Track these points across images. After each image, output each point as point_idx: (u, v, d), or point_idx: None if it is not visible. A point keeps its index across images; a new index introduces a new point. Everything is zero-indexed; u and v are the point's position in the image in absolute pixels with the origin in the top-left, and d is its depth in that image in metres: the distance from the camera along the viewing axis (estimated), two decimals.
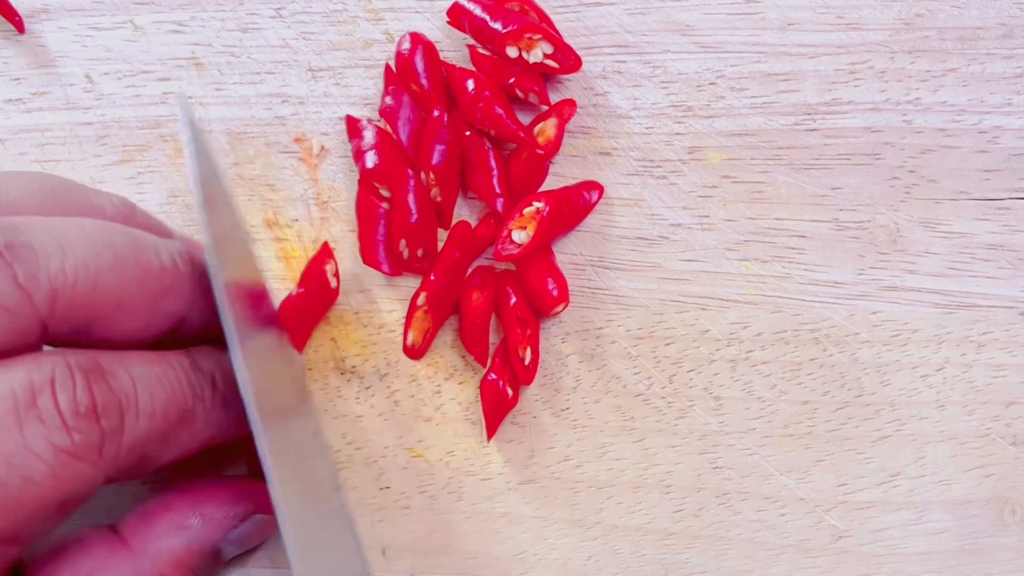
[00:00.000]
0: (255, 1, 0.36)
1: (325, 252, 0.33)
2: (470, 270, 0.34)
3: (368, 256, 0.33)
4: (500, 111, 0.33)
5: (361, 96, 0.35)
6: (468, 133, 0.33)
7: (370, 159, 0.33)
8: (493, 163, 0.33)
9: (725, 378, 0.33)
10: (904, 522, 0.32)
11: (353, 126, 0.34)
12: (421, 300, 0.33)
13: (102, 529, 0.28)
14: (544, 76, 0.34)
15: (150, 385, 0.26)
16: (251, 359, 0.27)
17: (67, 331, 0.26)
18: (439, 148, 0.33)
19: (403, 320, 0.34)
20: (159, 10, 0.36)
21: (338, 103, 0.35)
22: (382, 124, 0.34)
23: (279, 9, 0.36)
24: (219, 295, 0.27)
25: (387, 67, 0.35)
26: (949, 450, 0.32)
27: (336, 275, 0.33)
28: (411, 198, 0.33)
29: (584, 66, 0.34)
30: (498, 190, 0.33)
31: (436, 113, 0.33)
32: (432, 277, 0.33)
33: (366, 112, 0.35)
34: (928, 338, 0.33)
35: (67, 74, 0.36)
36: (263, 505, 0.30)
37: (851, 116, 0.34)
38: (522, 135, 0.33)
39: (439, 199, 0.33)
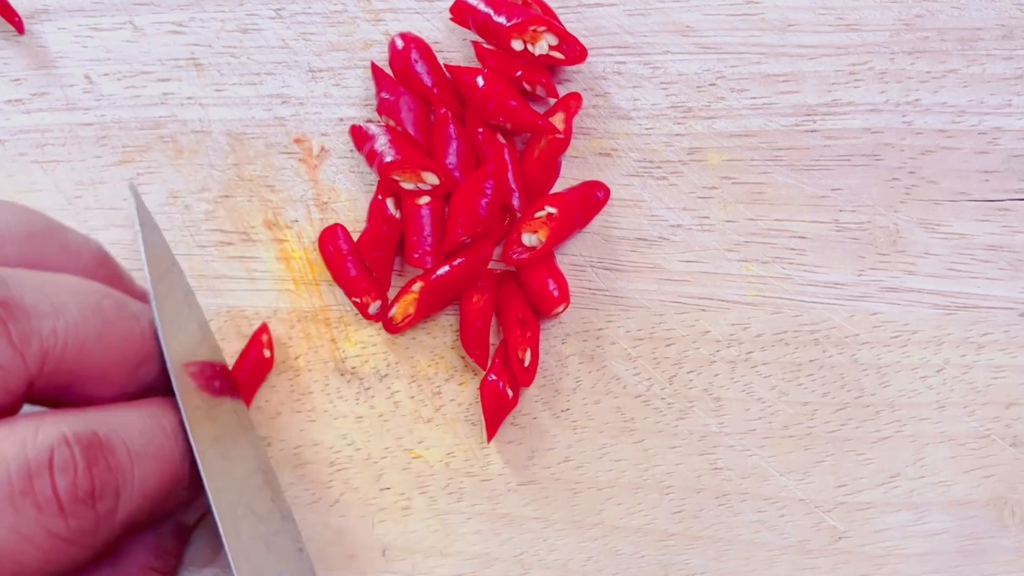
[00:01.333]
0: (255, 2, 0.36)
1: (262, 329, 0.33)
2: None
3: (370, 257, 0.33)
4: (514, 103, 0.33)
5: (361, 97, 0.35)
6: (480, 130, 0.33)
7: (388, 155, 0.33)
8: (508, 158, 0.33)
9: (725, 379, 0.33)
10: (904, 523, 0.32)
11: (359, 132, 0.34)
12: (415, 288, 0.33)
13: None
14: (548, 70, 0.34)
15: (147, 461, 0.25)
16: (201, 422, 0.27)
17: (50, 391, 0.25)
18: (453, 145, 0.33)
19: (386, 330, 0.34)
20: (159, 11, 0.36)
21: (338, 104, 0.35)
22: (383, 122, 0.34)
23: (279, 10, 0.36)
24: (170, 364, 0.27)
25: (373, 66, 0.34)
26: (949, 451, 0.32)
27: (270, 346, 0.34)
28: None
29: (584, 67, 0.34)
30: (514, 186, 0.33)
31: (443, 111, 0.33)
32: (433, 276, 0.33)
33: (366, 113, 0.35)
34: (928, 339, 0.33)
35: (67, 75, 0.36)
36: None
37: (851, 117, 0.34)
38: (540, 122, 0.33)
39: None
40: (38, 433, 0.24)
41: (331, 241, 0.34)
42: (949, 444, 0.32)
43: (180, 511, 0.29)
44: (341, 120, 0.35)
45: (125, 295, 0.28)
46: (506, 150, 0.33)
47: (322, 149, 0.35)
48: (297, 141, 0.35)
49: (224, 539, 0.26)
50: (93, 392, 0.26)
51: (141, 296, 0.29)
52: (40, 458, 0.23)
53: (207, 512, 0.30)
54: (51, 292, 0.25)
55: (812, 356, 0.33)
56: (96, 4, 0.36)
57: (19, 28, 0.36)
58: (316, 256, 0.34)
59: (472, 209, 0.32)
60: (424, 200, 0.33)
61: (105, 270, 0.29)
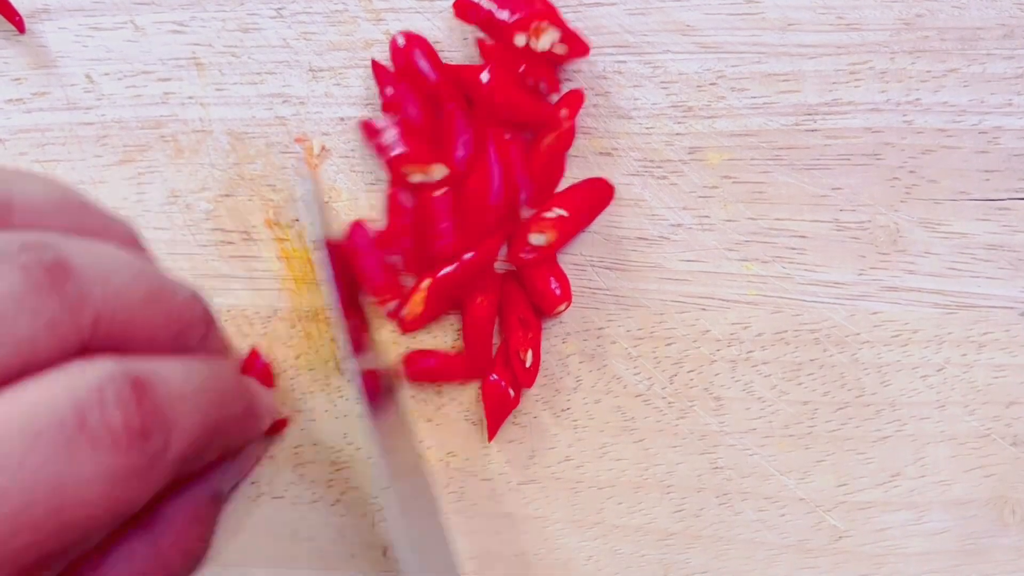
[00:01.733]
0: (256, 1, 0.36)
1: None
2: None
3: (393, 248, 0.33)
4: (519, 96, 0.33)
5: (362, 96, 0.35)
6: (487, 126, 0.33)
7: (397, 148, 0.33)
8: (515, 155, 0.33)
9: (725, 378, 0.33)
10: (904, 522, 0.32)
11: (369, 126, 0.34)
12: (424, 285, 0.33)
13: None
14: (552, 66, 0.34)
15: (191, 398, 0.26)
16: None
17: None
18: (462, 140, 0.33)
19: (400, 331, 0.34)
20: (159, 10, 0.36)
21: (339, 103, 0.35)
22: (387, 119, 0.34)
23: (280, 9, 0.36)
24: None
25: (375, 63, 0.34)
26: (949, 450, 0.32)
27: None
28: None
29: (584, 66, 0.34)
30: (522, 181, 0.33)
31: (451, 104, 0.33)
32: (439, 273, 0.33)
33: (367, 113, 0.35)
34: (928, 338, 0.33)
35: (67, 74, 0.36)
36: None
37: (851, 116, 0.34)
38: (546, 114, 0.33)
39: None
40: (86, 370, 0.24)
41: (358, 236, 0.34)
42: (949, 443, 0.32)
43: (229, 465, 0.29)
44: (342, 120, 0.35)
45: (159, 266, 0.28)
46: (512, 147, 0.33)
47: (323, 148, 0.35)
48: (298, 140, 0.35)
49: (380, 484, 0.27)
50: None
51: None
52: (91, 395, 0.23)
53: (240, 480, 0.30)
54: (99, 258, 0.25)
55: (813, 355, 0.33)
56: (97, 3, 0.36)
57: (20, 27, 0.36)
58: (316, 256, 0.34)
59: (484, 201, 0.32)
60: (440, 191, 0.33)
61: (136, 246, 0.29)
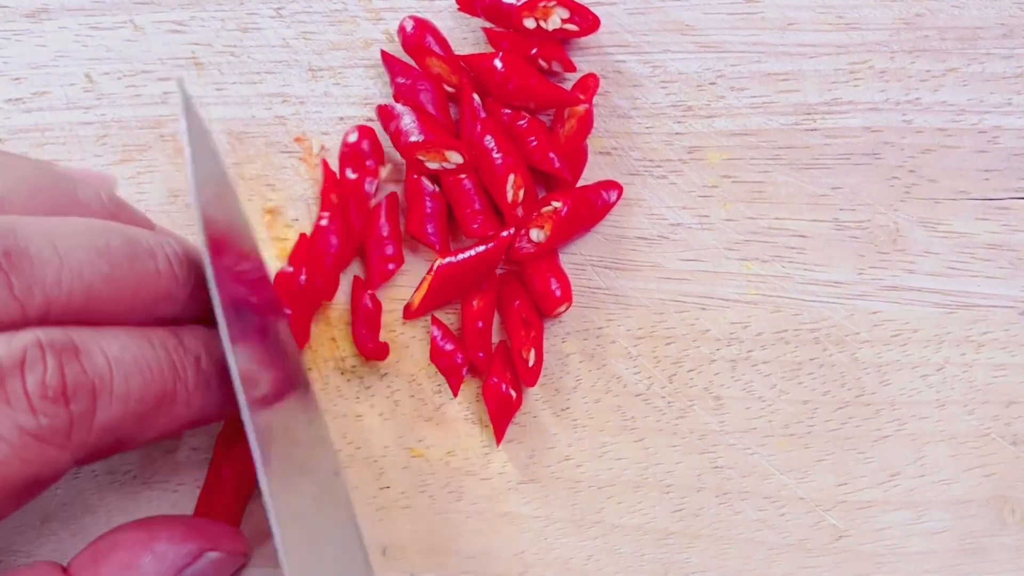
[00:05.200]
0: (255, 1, 0.36)
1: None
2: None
3: (419, 232, 0.33)
4: (534, 80, 0.32)
5: (361, 96, 0.35)
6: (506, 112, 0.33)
7: (413, 134, 0.33)
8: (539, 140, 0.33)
9: (725, 378, 0.33)
10: (904, 522, 0.32)
11: (386, 111, 0.33)
12: (435, 267, 0.33)
13: (53, 566, 0.27)
14: (563, 45, 0.34)
15: (127, 366, 0.25)
16: (242, 345, 0.27)
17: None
18: (477, 126, 0.33)
19: (402, 320, 0.34)
20: (159, 10, 0.36)
21: (338, 103, 0.35)
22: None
23: (279, 9, 0.36)
24: (211, 282, 0.26)
25: (384, 53, 0.34)
26: (949, 450, 0.32)
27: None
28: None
29: (584, 65, 0.34)
30: (553, 156, 0.33)
31: (467, 89, 0.33)
32: (447, 259, 0.33)
33: (366, 112, 0.35)
34: (928, 338, 0.33)
35: (67, 74, 0.36)
36: (218, 542, 0.29)
37: (851, 116, 0.34)
38: (563, 95, 0.33)
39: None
40: (13, 337, 0.24)
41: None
42: (949, 443, 0.32)
43: (182, 430, 0.28)
44: (341, 119, 0.35)
45: (139, 230, 0.27)
46: (533, 133, 0.33)
47: (322, 148, 0.35)
48: (297, 140, 0.35)
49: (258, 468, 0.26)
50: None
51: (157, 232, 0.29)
52: (12, 358, 0.24)
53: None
54: (56, 236, 0.25)
55: (812, 355, 0.33)
56: (96, 3, 0.36)
57: None
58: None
59: (500, 189, 0.32)
60: (463, 175, 0.33)
61: (118, 216, 0.29)
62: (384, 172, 0.34)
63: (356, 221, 0.33)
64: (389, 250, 0.33)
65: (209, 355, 0.28)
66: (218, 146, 0.34)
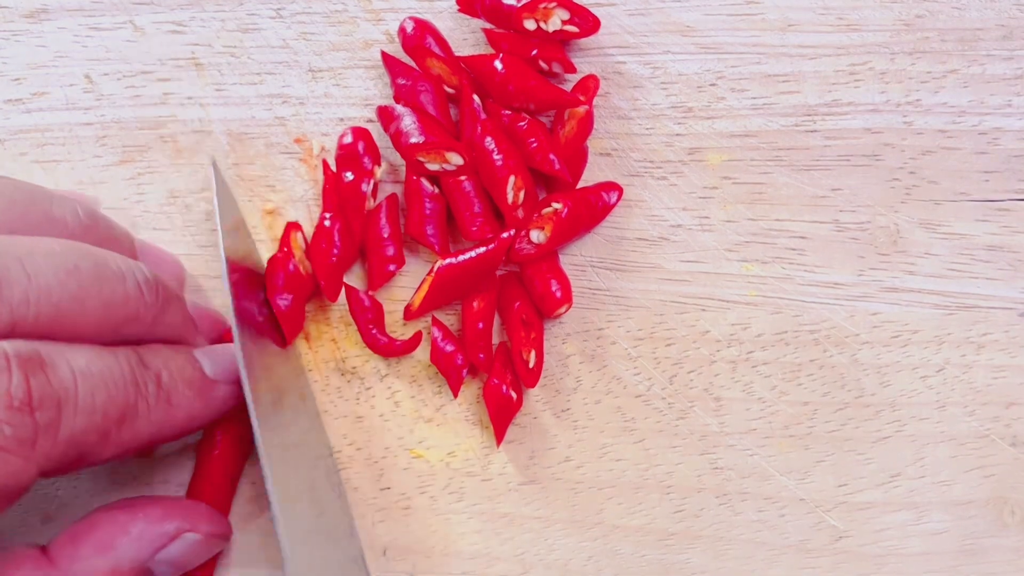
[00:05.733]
0: (255, 1, 0.36)
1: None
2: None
3: (418, 234, 0.33)
4: (534, 82, 0.32)
5: (361, 96, 0.35)
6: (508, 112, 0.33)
7: (413, 136, 0.33)
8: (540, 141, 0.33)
9: (725, 379, 0.33)
10: (904, 523, 0.32)
11: (386, 112, 0.33)
12: (432, 271, 0.33)
13: (31, 547, 0.28)
14: (563, 47, 0.34)
15: (92, 380, 0.26)
16: (252, 357, 0.27)
17: None
18: (477, 128, 0.33)
19: (402, 321, 0.34)
20: (159, 10, 0.36)
21: (338, 104, 0.35)
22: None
23: (279, 9, 0.35)
24: (229, 305, 0.28)
25: (384, 54, 0.34)
26: (949, 451, 0.32)
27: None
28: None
29: (584, 66, 0.34)
30: (554, 157, 0.33)
31: (468, 90, 0.33)
32: (448, 260, 0.33)
33: (366, 113, 0.35)
34: (928, 339, 0.33)
35: (67, 74, 0.36)
36: (196, 524, 0.29)
37: (851, 117, 0.34)
38: (564, 97, 0.33)
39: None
40: None
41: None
42: (949, 444, 0.33)
43: (144, 447, 0.29)
44: (342, 120, 0.35)
45: (110, 253, 0.28)
46: (533, 134, 0.33)
47: (322, 149, 0.35)
48: (297, 141, 0.35)
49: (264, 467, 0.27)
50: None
51: (132, 254, 0.30)
52: None
53: (183, 570, 0.30)
54: (25, 256, 0.25)
55: (812, 356, 0.33)
56: (96, 3, 0.36)
57: None
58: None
59: (501, 191, 0.32)
60: (459, 179, 0.33)
61: (94, 232, 0.29)
62: (379, 172, 0.34)
63: (355, 222, 0.33)
64: (390, 251, 0.33)
65: (170, 373, 0.28)
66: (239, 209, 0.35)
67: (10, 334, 0.25)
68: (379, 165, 0.34)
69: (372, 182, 0.33)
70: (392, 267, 0.33)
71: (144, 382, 0.27)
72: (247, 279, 0.32)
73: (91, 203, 0.31)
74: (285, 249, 0.33)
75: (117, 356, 0.27)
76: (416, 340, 0.33)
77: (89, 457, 0.27)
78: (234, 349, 0.29)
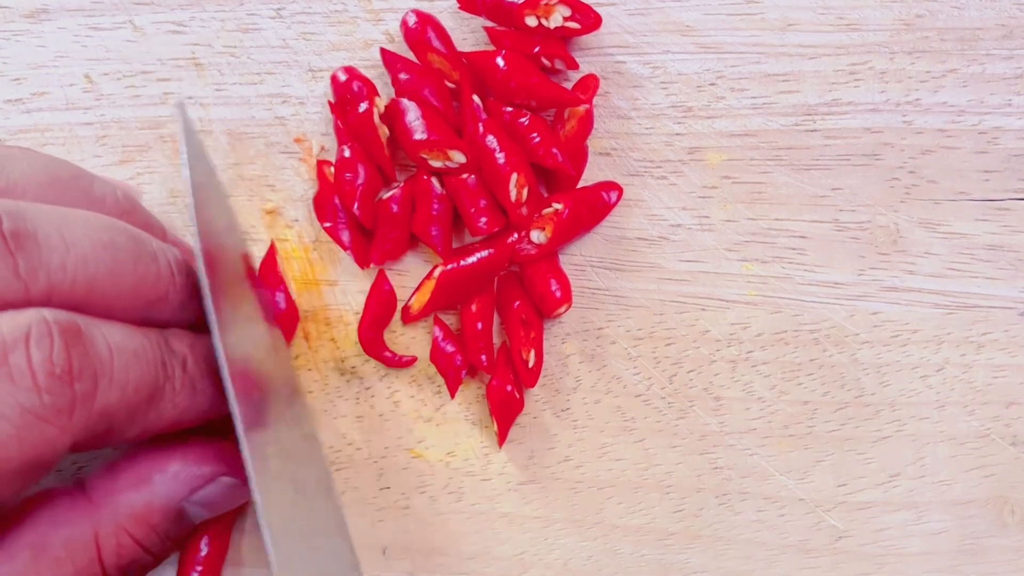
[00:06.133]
0: (255, 1, 0.36)
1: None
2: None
3: (423, 233, 0.33)
4: (536, 79, 0.32)
5: None
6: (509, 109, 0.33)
7: (418, 132, 0.32)
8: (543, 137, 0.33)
9: (725, 378, 0.33)
10: (904, 522, 0.32)
11: (393, 106, 0.33)
12: (436, 273, 0.33)
13: (68, 484, 0.28)
14: (565, 44, 0.34)
15: (126, 356, 0.26)
16: (235, 353, 0.27)
17: None
18: (479, 125, 0.33)
19: (402, 321, 0.34)
20: (159, 10, 0.36)
21: None
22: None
23: (279, 9, 0.36)
24: (204, 287, 0.27)
25: (383, 51, 0.34)
26: (949, 450, 0.32)
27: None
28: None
29: (584, 66, 0.34)
30: (556, 151, 0.33)
31: (468, 86, 0.33)
32: (450, 265, 0.33)
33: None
34: (928, 339, 0.33)
35: (67, 74, 0.36)
36: (232, 468, 0.29)
37: (851, 117, 0.34)
38: (565, 95, 0.33)
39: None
40: (19, 313, 0.24)
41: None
42: (949, 443, 0.32)
43: (165, 430, 0.29)
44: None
45: (144, 234, 0.28)
46: (535, 130, 0.33)
47: (322, 148, 0.35)
48: (297, 141, 0.35)
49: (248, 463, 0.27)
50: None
51: (166, 240, 0.30)
52: (16, 333, 0.23)
53: (215, 513, 0.30)
54: (64, 226, 0.25)
55: (812, 355, 0.33)
56: (96, 3, 0.36)
57: None
58: (316, 255, 0.34)
59: (503, 189, 0.32)
60: (463, 176, 0.33)
61: (131, 216, 0.29)
62: (382, 104, 0.34)
63: (374, 151, 0.33)
64: (397, 233, 0.33)
65: (195, 359, 0.28)
66: (212, 156, 0.34)
67: (47, 300, 0.25)
68: (378, 96, 0.34)
69: (377, 112, 0.33)
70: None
71: (171, 366, 0.28)
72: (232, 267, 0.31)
73: (131, 190, 0.31)
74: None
75: (148, 336, 0.27)
76: (413, 359, 0.34)
77: (115, 435, 0.27)
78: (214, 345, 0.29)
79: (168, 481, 0.28)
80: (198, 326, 0.29)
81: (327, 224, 0.33)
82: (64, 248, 0.25)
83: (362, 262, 0.33)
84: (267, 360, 0.31)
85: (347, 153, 0.33)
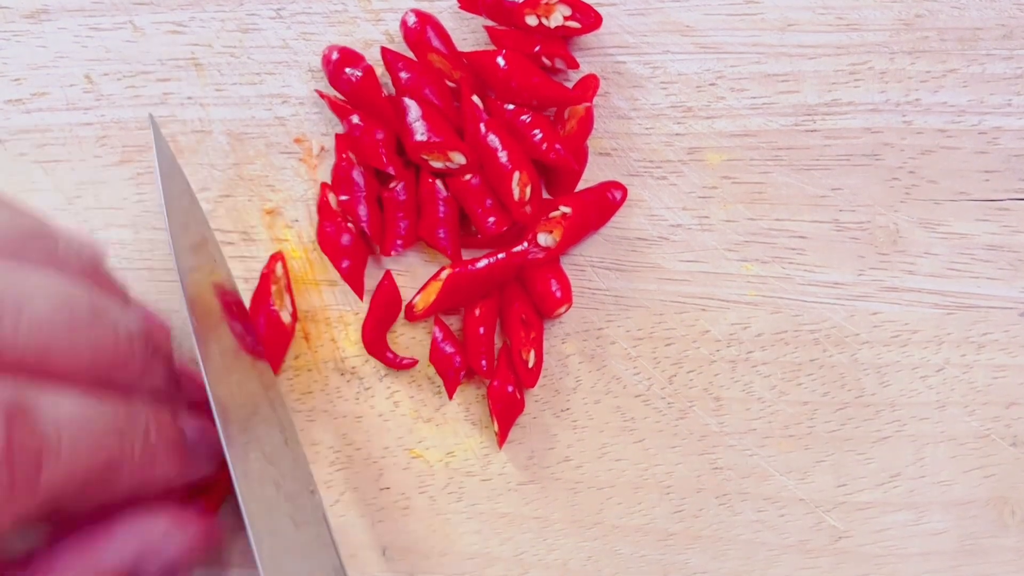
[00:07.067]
0: (255, 2, 0.36)
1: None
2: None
3: (430, 236, 0.33)
4: (537, 79, 0.32)
5: None
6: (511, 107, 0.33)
7: (419, 133, 0.32)
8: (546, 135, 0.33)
9: (725, 379, 0.33)
10: (904, 523, 0.32)
11: (397, 104, 0.33)
12: (443, 275, 0.33)
13: (7, 562, 0.27)
14: (565, 43, 0.34)
15: (76, 430, 0.25)
16: (217, 380, 0.27)
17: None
18: (480, 126, 0.33)
19: (403, 321, 0.34)
20: (159, 11, 0.36)
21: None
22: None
23: (279, 10, 0.36)
24: (194, 336, 0.27)
25: (384, 49, 0.34)
26: (949, 451, 0.32)
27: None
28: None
29: (584, 66, 0.34)
30: (559, 146, 0.33)
31: (468, 87, 0.33)
32: (458, 268, 0.33)
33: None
34: (928, 339, 0.33)
35: (67, 74, 0.36)
36: (184, 527, 0.29)
37: (851, 117, 0.34)
38: (565, 94, 0.33)
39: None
40: None
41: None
42: (949, 444, 0.32)
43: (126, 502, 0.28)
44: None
45: (105, 299, 0.27)
46: (536, 129, 0.33)
47: (322, 149, 0.35)
48: (297, 141, 0.35)
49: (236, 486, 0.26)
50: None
51: (127, 304, 0.29)
52: None
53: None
54: (20, 284, 0.25)
55: (812, 356, 0.33)
56: (96, 4, 0.36)
57: None
58: (316, 255, 0.34)
59: (506, 189, 0.32)
60: (468, 176, 0.33)
61: (92, 278, 0.28)
62: (380, 71, 0.34)
63: (380, 108, 0.33)
64: (403, 225, 0.33)
65: (158, 430, 0.28)
66: (182, 169, 0.34)
67: None
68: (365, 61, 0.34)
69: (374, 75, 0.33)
70: (400, 243, 0.34)
71: (131, 435, 0.27)
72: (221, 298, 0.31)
73: (97, 248, 0.30)
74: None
75: (106, 405, 0.26)
76: (414, 362, 0.33)
77: (65, 510, 0.26)
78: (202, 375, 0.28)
79: (116, 547, 0.27)
80: (164, 390, 0.29)
81: (344, 197, 0.33)
82: (18, 310, 0.24)
83: (377, 239, 0.33)
84: (253, 396, 0.31)
85: (356, 119, 0.33)
